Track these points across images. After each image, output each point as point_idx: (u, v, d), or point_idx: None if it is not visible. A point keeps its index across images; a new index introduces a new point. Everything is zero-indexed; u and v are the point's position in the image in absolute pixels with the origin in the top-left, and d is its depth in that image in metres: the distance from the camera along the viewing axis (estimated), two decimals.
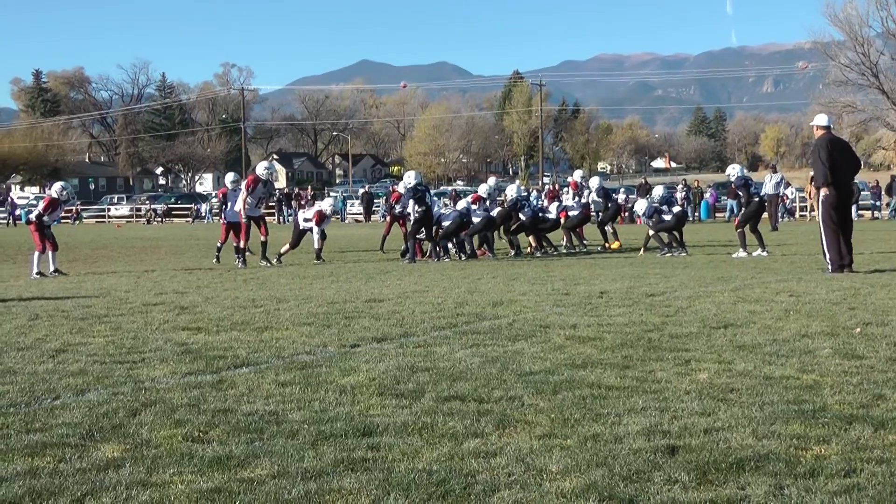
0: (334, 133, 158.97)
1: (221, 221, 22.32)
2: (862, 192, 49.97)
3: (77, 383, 7.39)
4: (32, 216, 19.78)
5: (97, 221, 73.34)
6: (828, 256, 15.98)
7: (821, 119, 16.74)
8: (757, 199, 19.71)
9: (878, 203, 51.55)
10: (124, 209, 77.25)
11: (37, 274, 18.48)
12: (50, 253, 19.06)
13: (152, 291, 14.87)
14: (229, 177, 22.78)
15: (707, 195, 53.08)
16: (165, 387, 7.21)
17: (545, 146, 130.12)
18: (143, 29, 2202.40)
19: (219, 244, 22.49)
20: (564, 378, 7.23)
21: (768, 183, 38.02)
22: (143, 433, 5.85)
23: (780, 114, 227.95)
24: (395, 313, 11.41)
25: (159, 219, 70.54)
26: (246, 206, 20.62)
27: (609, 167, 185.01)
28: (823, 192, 16.11)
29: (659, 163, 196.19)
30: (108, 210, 77.56)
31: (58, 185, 20.36)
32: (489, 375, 7.40)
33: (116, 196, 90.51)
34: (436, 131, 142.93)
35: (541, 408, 6.32)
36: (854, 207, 48.56)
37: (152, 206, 73.82)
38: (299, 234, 22.14)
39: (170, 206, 75.18)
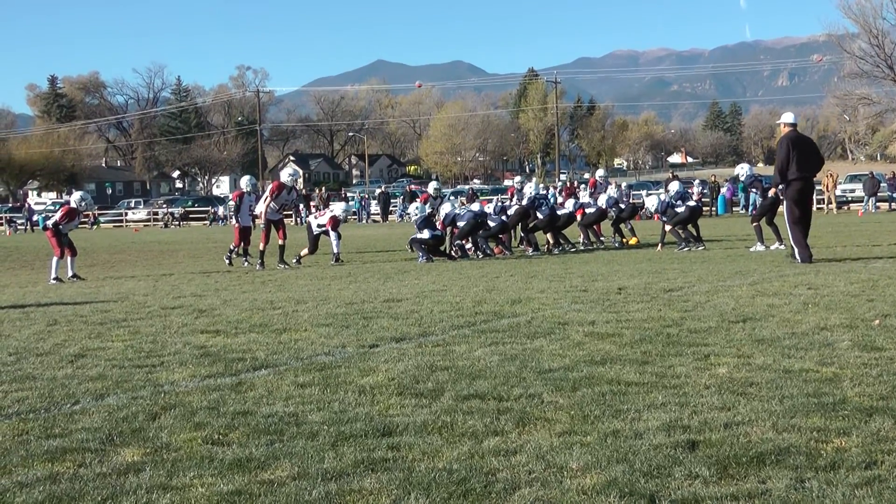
0: (350, 133, 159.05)
1: (234, 225, 22.18)
2: (879, 184, 49.82)
3: (96, 388, 7.42)
4: (49, 223, 19.86)
5: (115, 226, 73.57)
6: (796, 250, 16.65)
7: (787, 117, 17.65)
8: (772, 194, 19.66)
9: (894, 195, 51.31)
10: (141, 213, 77.47)
11: (54, 279, 18.57)
12: (69, 258, 19.16)
13: (170, 295, 14.91)
14: (245, 180, 22.70)
15: (724, 190, 52.87)
16: (185, 390, 7.23)
17: (561, 143, 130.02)
18: (159, 32, 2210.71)
19: (232, 247, 22.39)
20: (584, 375, 7.22)
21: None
22: (162, 437, 5.87)
23: (796, 107, 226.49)
24: (413, 313, 11.41)
25: (177, 222, 70.73)
26: (268, 211, 20.92)
27: (625, 163, 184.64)
28: (781, 186, 17.08)
29: (675, 158, 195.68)
30: (126, 214, 77.82)
31: (77, 195, 20.44)
32: (508, 373, 7.40)
33: (133, 200, 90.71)
34: (451, 130, 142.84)
35: (560, 405, 6.32)
36: (873, 199, 48.60)
37: (169, 210, 74.05)
38: (315, 239, 22.06)
39: (187, 209, 75.36)
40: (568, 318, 10.49)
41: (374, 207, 64.57)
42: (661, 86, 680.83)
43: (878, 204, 50.08)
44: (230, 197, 24.41)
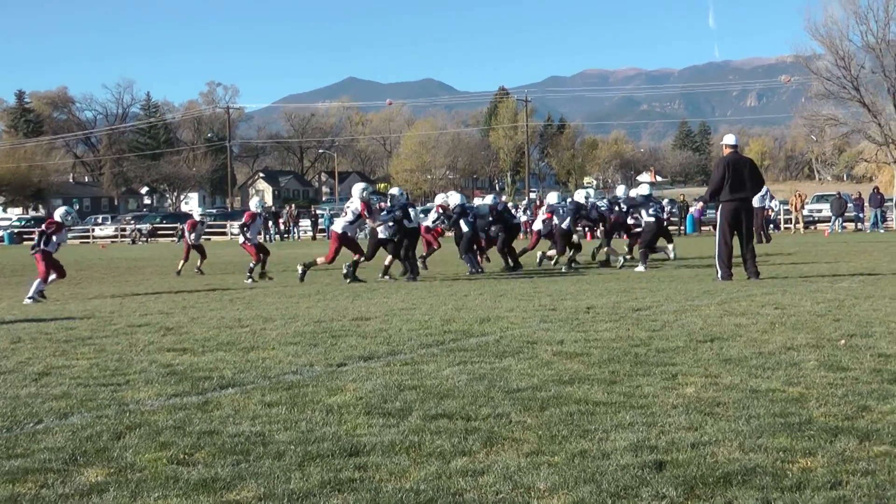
0: (320, 150, 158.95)
1: (247, 244, 23.04)
2: (846, 205, 50.27)
3: (60, 407, 7.34)
4: (36, 247, 19.20)
5: (81, 242, 72.97)
6: (719, 270, 17.54)
7: (728, 139, 18.40)
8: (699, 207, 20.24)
9: (861, 215, 51.78)
10: (109, 229, 76.95)
11: (29, 299, 18.12)
12: (53, 276, 18.75)
13: (137, 312, 14.81)
14: (255, 201, 23.96)
15: (693, 209, 53.17)
16: (150, 409, 7.17)
17: (531, 162, 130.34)
18: (128, 48, 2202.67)
19: (252, 265, 22.82)
20: (552, 394, 7.22)
21: (759, 197, 38.18)
22: (127, 456, 5.81)
23: (764, 127, 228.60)
24: (381, 331, 11.38)
25: (144, 239, 70.34)
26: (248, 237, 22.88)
27: (595, 182, 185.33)
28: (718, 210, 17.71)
29: (644, 177, 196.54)
30: (93, 230, 77.27)
31: (61, 210, 20.04)
32: (476, 393, 7.38)
33: (101, 216, 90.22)
34: (422, 148, 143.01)
35: (528, 425, 6.31)
36: (840, 220, 48.99)
37: (137, 227, 73.64)
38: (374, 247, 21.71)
39: (155, 225, 74.98)
40: (536, 337, 10.49)
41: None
42: (631, 105, 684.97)
43: (844, 224, 50.49)
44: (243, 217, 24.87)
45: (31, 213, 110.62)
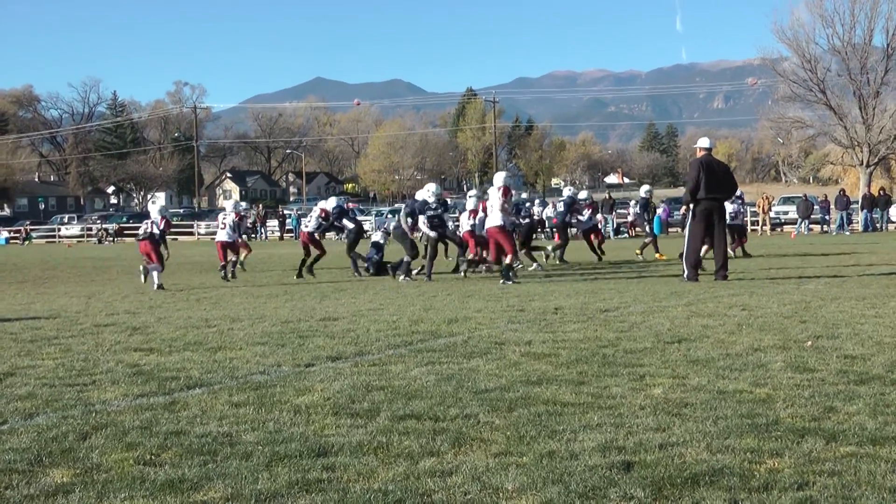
0: (288, 151, 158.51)
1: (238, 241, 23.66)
2: (812, 207, 50.65)
3: (25, 407, 7.27)
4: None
5: (47, 241, 72.54)
6: (686, 270, 17.59)
7: (703, 142, 18.60)
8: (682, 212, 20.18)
9: (827, 217, 52.17)
10: (75, 229, 76.47)
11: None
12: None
13: (103, 312, 14.71)
14: (234, 203, 24.20)
15: (660, 210, 53.42)
16: (117, 409, 7.12)
17: (499, 163, 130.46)
18: (94, 47, 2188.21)
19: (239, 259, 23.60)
20: (520, 395, 7.22)
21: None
22: (93, 457, 5.76)
23: (731, 129, 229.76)
24: (349, 332, 11.36)
25: (111, 238, 69.87)
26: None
27: (563, 183, 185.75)
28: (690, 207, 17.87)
29: (612, 178, 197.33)
30: (59, 230, 76.75)
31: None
32: (445, 393, 7.38)
33: (67, 216, 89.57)
34: (390, 148, 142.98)
35: (496, 425, 6.31)
36: (806, 222, 49.35)
37: (104, 226, 73.14)
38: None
39: (122, 225, 74.48)
40: (504, 337, 10.50)
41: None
42: (599, 107, 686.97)
43: (811, 226, 50.87)
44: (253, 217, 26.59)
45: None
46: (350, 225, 23.07)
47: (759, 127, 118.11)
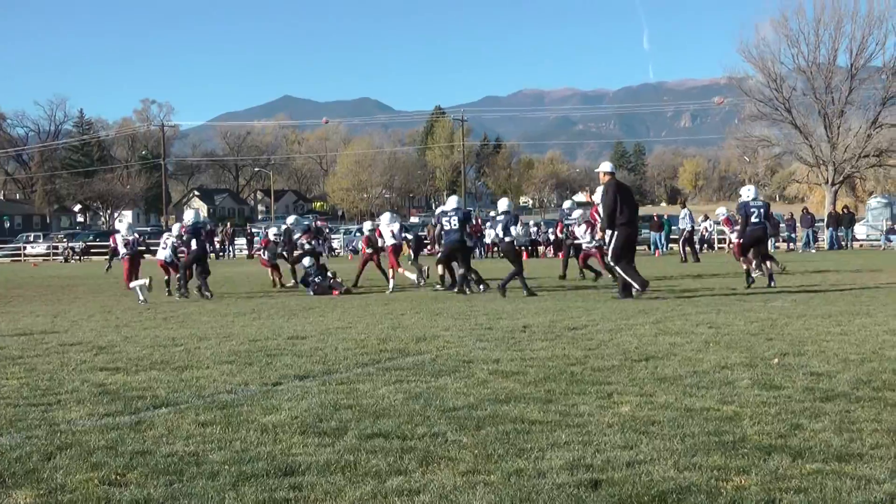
0: (256, 169, 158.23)
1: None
2: (779, 225, 51.00)
3: None
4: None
5: (13, 260, 71.97)
6: (635, 284, 17.68)
7: (606, 166, 18.99)
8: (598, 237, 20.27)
9: (793, 235, 52.55)
10: (41, 247, 75.89)
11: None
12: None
13: (69, 331, 14.60)
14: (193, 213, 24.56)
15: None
16: (82, 429, 7.06)
17: (467, 181, 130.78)
18: (61, 65, 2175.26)
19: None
20: (488, 413, 7.22)
21: (681, 219, 38.94)
22: (58, 478, 5.71)
23: (699, 148, 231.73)
24: (317, 350, 11.32)
25: (77, 257, 69.38)
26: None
27: (531, 201, 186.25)
28: (609, 232, 18.10)
29: (580, 197, 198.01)
30: (24, 248, 76.16)
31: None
32: (413, 412, 7.36)
33: (33, 234, 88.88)
34: (358, 167, 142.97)
35: (464, 444, 6.30)
36: (772, 240, 49.72)
37: (70, 245, 72.61)
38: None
39: (88, 244, 73.97)
40: (473, 356, 10.50)
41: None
42: (567, 125, 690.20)
43: (776, 244, 51.23)
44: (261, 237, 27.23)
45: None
46: (194, 246, 23.04)
47: (725, 145, 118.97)
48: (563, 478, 5.42)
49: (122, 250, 23.87)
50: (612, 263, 18.30)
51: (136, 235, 24.46)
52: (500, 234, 20.76)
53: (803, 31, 63.89)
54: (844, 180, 64.94)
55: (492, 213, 26.40)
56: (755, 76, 65.67)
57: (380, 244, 24.37)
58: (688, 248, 37.12)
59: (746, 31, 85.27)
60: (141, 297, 20.90)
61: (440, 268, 22.80)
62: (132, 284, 21.97)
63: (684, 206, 41.95)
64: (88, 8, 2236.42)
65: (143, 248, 23.26)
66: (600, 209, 20.19)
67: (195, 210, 25.96)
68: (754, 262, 20.47)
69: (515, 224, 21.07)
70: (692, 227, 37.74)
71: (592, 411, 7.22)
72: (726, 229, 29.71)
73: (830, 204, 60.39)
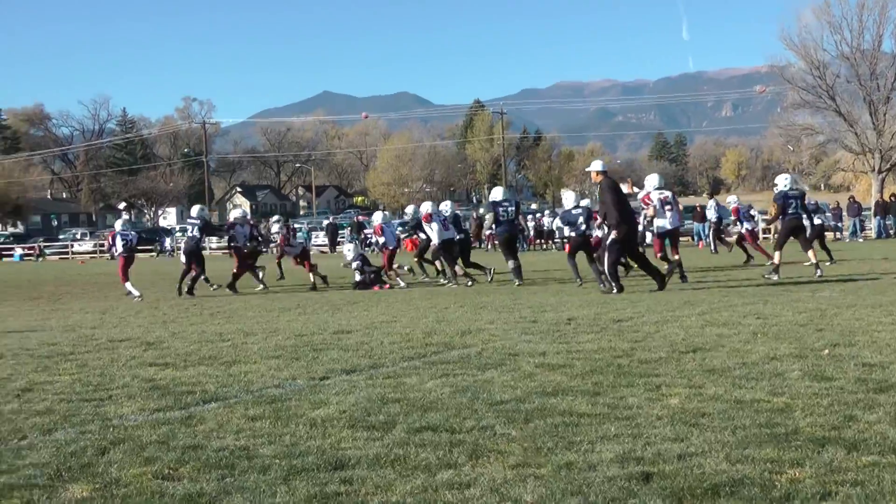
0: (297, 165, 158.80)
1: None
2: (825, 214, 50.53)
3: (44, 422, 7.28)
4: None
5: (60, 258, 72.73)
6: (614, 285, 17.99)
7: (597, 165, 18.80)
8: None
9: (839, 224, 52.03)
10: (87, 245, 76.62)
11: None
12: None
13: (118, 327, 14.74)
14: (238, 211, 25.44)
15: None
16: (134, 424, 7.12)
17: (508, 174, 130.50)
18: (104, 65, 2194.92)
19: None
20: (535, 406, 7.21)
21: (708, 210, 38.73)
22: (112, 472, 5.77)
23: (740, 137, 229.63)
24: (363, 344, 11.35)
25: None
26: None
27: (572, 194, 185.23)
28: (615, 232, 18.03)
29: (622, 188, 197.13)
30: (72, 246, 76.96)
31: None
32: (460, 405, 7.37)
33: (80, 232, 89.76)
34: (398, 161, 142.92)
35: (513, 437, 6.29)
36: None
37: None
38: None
39: None
40: (518, 349, 10.48)
41: (322, 238, 64.24)
42: (607, 116, 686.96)
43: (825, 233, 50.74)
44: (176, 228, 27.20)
45: (10, 230, 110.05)
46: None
47: (768, 134, 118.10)
48: (613, 470, 5.40)
49: (119, 248, 23.83)
50: (604, 258, 18.41)
51: (134, 234, 24.60)
52: (583, 228, 20.84)
53: (846, 17, 63.18)
54: (892, 168, 64.09)
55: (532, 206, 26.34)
56: (797, 64, 65.02)
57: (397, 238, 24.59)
58: (716, 240, 36.82)
59: (788, 18, 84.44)
60: (136, 294, 22.03)
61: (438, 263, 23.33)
62: (127, 285, 22.58)
63: (712, 197, 41.69)
64: (129, 8, 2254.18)
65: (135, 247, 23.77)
66: (649, 198, 20.25)
67: (240, 207, 26.22)
68: (809, 253, 20.36)
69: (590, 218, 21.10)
70: (719, 217, 37.42)
71: (641, 404, 7.18)
72: (733, 218, 29.35)
73: (877, 192, 59.70)
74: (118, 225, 24.29)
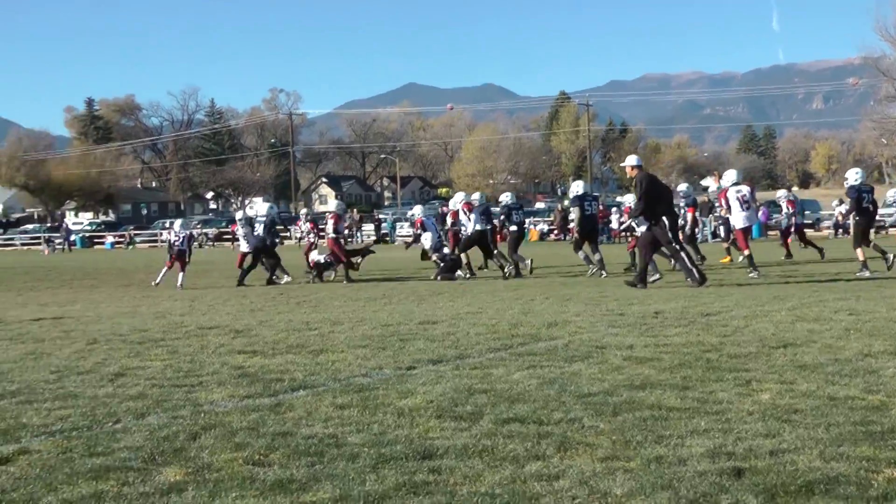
0: (382, 156, 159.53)
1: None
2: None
3: (137, 407, 7.43)
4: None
5: (150, 246, 73.99)
6: (648, 279, 18.13)
7: (631, 160, 18.81)
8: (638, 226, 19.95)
9: None
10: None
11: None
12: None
13: (207, 315, 14.96)
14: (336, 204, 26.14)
15: (759, 213, 52.61)
16: (224, 410, 7.22)
17: (594, 166, 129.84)
18: (192, 56, 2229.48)
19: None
20: (624, 399, 7.16)
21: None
22: (204, 457, 5.86)
23: (831, 130, 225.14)
24: (449, 335, 11.38)
25: (211, 243, 71.00)
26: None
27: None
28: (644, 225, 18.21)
29: (709, 181, 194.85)
30: (161, 235, 78.20)
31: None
32: (547, 397, 7.34)
33: (169, 220, 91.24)
34: (483, 153, 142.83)
35: (601, 430, 6.26)
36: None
37: (204, 230, 74.32)
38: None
39: (221, 230, 75.59)
40: (605, 341, 10.42)
41: (407, 230, 64.42)
42: (694, 109, 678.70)
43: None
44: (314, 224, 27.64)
45: (102, 218, 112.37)
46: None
47: (860, 128, 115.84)
48: (704, 465, 5.34)
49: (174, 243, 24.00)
50: (641, 251, 18.43)
51: (186, 233, 24.64)
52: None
53: None
54: None
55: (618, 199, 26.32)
56: (892, 55, 63.66)
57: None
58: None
59: (883, 8, 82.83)
60: (158, 279, 23.34)
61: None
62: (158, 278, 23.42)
63: (789, 190, 40.90)
64: (219, 1, 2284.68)
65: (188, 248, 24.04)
66: (727, 194, 20.08)
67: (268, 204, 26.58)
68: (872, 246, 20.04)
69: None
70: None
71: (731, 398, 7.09)
72: (790, 209, 28.73)
73: None
74: (175, 226, 24.75)
